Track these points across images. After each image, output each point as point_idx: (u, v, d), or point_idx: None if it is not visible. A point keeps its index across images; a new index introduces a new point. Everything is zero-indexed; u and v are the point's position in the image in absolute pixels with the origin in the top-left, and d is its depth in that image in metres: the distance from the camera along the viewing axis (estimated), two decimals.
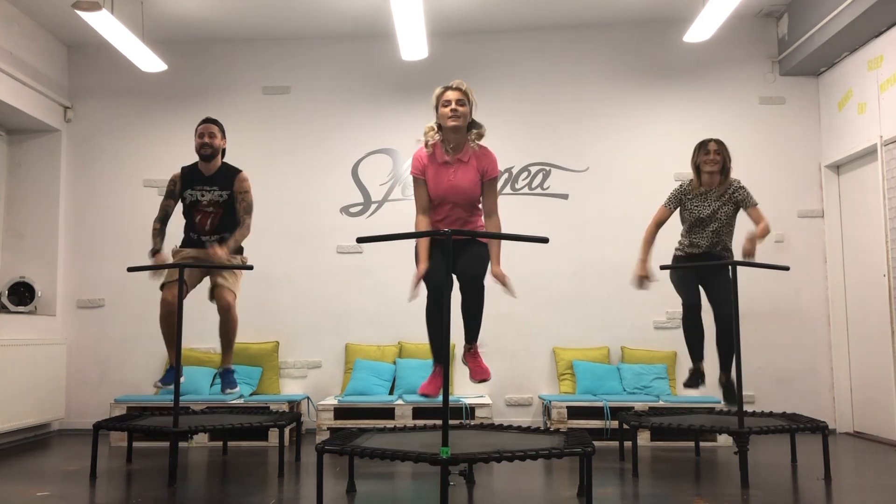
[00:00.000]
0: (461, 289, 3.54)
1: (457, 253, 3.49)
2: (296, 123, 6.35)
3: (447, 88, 3.53)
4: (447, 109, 3.48)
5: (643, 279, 4.54)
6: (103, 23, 5.07)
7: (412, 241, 3.58)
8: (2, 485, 3.98)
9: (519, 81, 6.30)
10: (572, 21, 6.22)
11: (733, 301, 4.03)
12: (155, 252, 4.39)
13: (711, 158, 4.39)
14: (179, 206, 4.53)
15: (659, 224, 4.59)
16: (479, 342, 3.66)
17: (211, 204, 4.36)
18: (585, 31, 6.30)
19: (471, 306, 3.55)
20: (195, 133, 4.42)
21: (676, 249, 4.63)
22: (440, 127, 3.58)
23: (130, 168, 6.35)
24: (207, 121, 4.45)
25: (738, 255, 4.47)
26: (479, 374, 3.59)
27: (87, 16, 4.94)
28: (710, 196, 4.44)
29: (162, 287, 4.34)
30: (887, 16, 4.99)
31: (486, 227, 3.67)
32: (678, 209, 4.58)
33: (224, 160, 4.51)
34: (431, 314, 3.57)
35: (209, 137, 4.37)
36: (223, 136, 4.46)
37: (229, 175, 4.42)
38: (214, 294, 4.41)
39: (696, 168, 4.47)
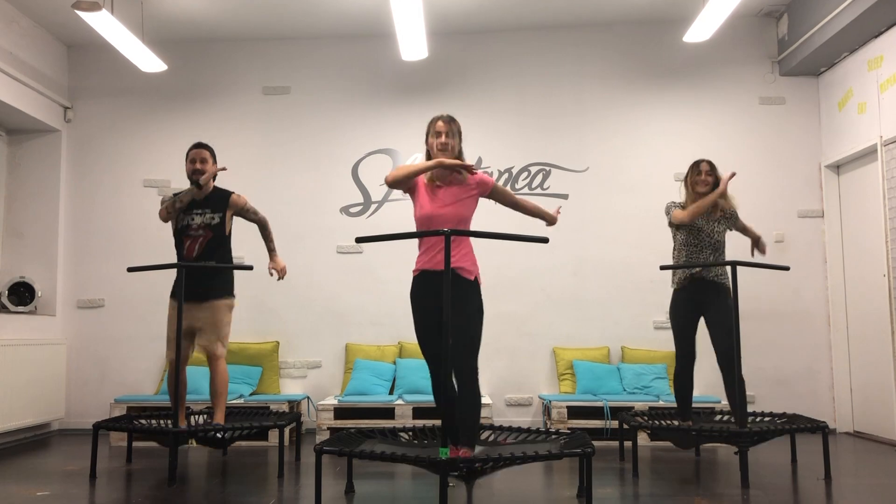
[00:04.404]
0: (455, 378, 3.33)
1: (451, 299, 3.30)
2: (296, 123, 6.35)
3: (438, 119, 3.56)
4: (438, 142, 3.53)
5: (722, 197, 4.38)
6: (103, 23, 5.07)
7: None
8: (2, 485, 3.99)
9: (519, 81, 6.30)
10: (572, 21, 6.22)
11: (733, 309, 4.03)
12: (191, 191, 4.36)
13: (703, 179, 4.38)
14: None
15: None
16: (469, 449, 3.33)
17: (201, 227, 4.32)
18: (585, 31, 6.30)
19: (465, 405, 3.33)
20: (186, 158, 4.41)
21: (675, 284, 4.45)
22: (429, 156, 3.60)
23: (130, 168, 6.35)
24: (199, 146, 4.43)
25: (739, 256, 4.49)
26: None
27: (87, 16, 4.94)
28: (708, 215, 4.40)
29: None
30: (887, 16, 4.99)
31: (521, 205, 3.74)
32: (673, 229, 4.50)
33: (216, 184, 4.48)
34: (436, 395, 3.54)
35: (201, 163, 4.36)
36: (215, 161, 4.45)
37: (223, 198, 4.40)
38: (202, 344, 4.33)
39: (692, 187, 4.42)
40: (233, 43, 6.43)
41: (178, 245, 4.39)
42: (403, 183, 3.52)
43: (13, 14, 5.70)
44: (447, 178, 3.54)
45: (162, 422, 4.53)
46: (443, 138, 3.52)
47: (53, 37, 6.25)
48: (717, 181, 4.41)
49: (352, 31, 6.26)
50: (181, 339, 4.07)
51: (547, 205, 6.15)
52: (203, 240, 4.33)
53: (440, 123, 3.55)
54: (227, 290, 4.38)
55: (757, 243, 4.63)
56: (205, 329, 4.28)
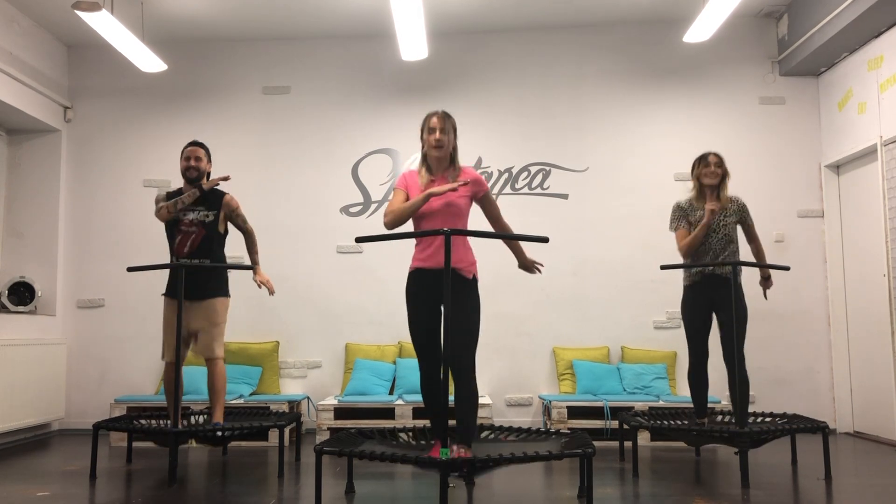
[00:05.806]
0: (453, 374, 3.29)
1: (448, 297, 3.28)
2: (296, 123, 6.35)
3: (433, 115, 3.56)
4: (432, 138, 3.53)
5: (713, 212, 4.24)
6: (103, 23, 5.07)
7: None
8: (2, 485, 3.99)
9: (519, 81, 6.30)
10: (572, 21, 6.22)
11: (741, 314, 4.03)
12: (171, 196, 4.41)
13: (712, 171, 4.31)
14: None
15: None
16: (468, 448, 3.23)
17: (194, 224, 4.32)
18: (585, 31, 6.30)
19: (463, 402, 3.28)
20: (181, 155, 4.44)
21: (686, 279, 4.39)
22: (425, 154, 3.61)
23: (130, 168, 6.35)
24: (194, 144, 4.47)
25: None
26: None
27: (87, 16, 4.94)
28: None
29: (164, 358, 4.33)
30: (887, 16, 4.99)
31: (497, 229, 3.75)
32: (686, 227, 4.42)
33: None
34: (426, 392, 3.52)
35: (195, 161, 4.40)
36: (209, 160, 4.49)
37: (217, 197, 4.43)
38: (199, 348, 4.33)
39: (698, 180, 4.37)
40: (233, 43, 6.43)
41: (171, 239, 4.40)
42: (403, 221, 3.47)
43: (13, 14, 5.70)
44: (442, 174, 3.55)
45: (161, 422, 4.53)
46: (437, 135, 3.51)
47: (53, 37, 6.25)
48: (725, 174, 4.34)
49: (352, 31, 6.26)
50: (181, 341, 4.07)
51: (547, 206, 6.16)
52: (196, 237, 4.32)
53: (434, 119, 3.54)
54: (222, 289, 4.38)
55: (767, 280, 4.52)
56: (202, 331, 4.29)
